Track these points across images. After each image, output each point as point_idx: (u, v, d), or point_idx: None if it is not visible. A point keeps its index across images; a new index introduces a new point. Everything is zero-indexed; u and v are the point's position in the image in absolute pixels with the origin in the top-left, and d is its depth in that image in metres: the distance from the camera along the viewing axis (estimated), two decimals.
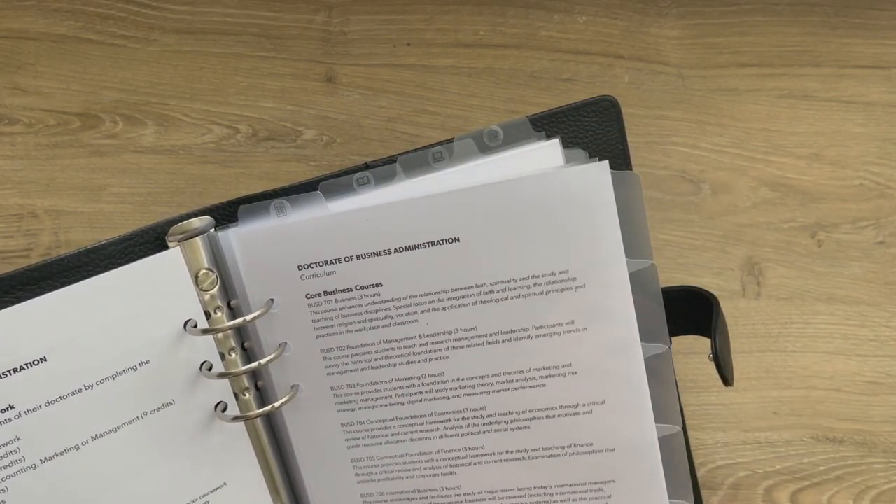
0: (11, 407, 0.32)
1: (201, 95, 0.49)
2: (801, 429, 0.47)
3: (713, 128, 0.51)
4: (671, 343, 0.37)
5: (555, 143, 0.36)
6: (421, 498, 0.38)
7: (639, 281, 0.35)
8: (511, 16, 0.52)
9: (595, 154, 0.38)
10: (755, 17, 0.53)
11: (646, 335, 0.35)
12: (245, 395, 0.37)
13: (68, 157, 0.48)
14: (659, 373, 0.36)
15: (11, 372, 0.32)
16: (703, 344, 0.48)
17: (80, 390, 0.34)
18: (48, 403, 0.33)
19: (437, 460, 0.37)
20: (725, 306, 0.49)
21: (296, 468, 0.39)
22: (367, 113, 0.50)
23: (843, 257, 0.50)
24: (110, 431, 0.34)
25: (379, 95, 0.50)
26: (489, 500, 0.38)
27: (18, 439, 0.33)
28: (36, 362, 0.33)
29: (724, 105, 0.52)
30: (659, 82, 0.52)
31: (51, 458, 0.33)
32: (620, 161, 0.39)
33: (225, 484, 0.37)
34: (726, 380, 0.37)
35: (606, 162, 0.34)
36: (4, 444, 0.32)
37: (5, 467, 0.33)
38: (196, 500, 0.36)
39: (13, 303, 0.32)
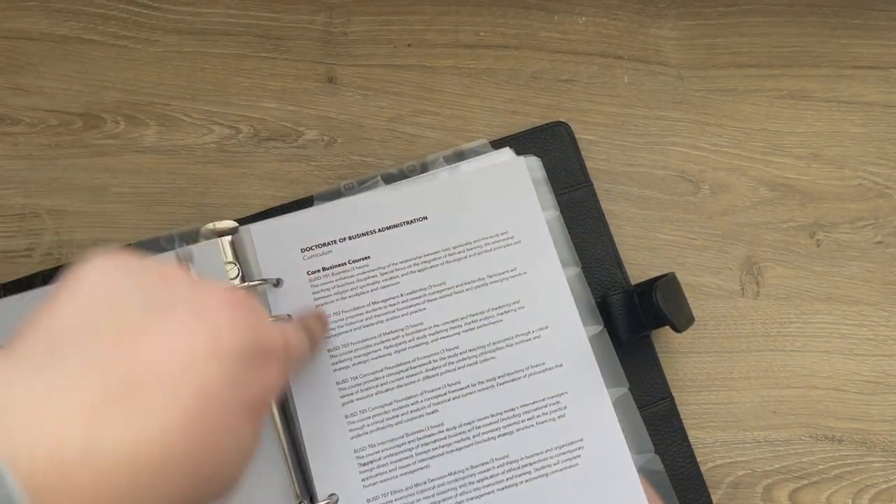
0: None
1: (203, 96, 0.50)
2: (799, 428, 0.48)
3: (712, 128, 0.51)
4: (580, 265, 0.46)
5: (506, 151, 0.47)
6: (409, 441, 0.42)
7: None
8: (511, 16, 0.52)
9: (553, 166, 0.49)
10: (754, 18, 0.53)
11: (563, 262, 0.45)
12: None
13: (70, 157, 0.49)
14: (578, 289, 0.45)
15: None
16: (701, 343, 0.49)
17: None
18: None
19: (422, 401, 0.42)
20: (724, 306, 0.49)
21: (300, 437, 0.42)
22: (367, 113, 0.50)
23: (842, 257, 0.50)
24: None
25: (379, 96, 0.51)
26: (468, 430, 0.42)
27: None
28: None
29: (723, 105, 0.52)
30: (658, 83, 0.52)
31: None
32: (578, 172, 0.49)
33: None
34: (674, 326, 0.44)
35: (522, 158, 0.46)
36: None
37: None
38: None
39: None
